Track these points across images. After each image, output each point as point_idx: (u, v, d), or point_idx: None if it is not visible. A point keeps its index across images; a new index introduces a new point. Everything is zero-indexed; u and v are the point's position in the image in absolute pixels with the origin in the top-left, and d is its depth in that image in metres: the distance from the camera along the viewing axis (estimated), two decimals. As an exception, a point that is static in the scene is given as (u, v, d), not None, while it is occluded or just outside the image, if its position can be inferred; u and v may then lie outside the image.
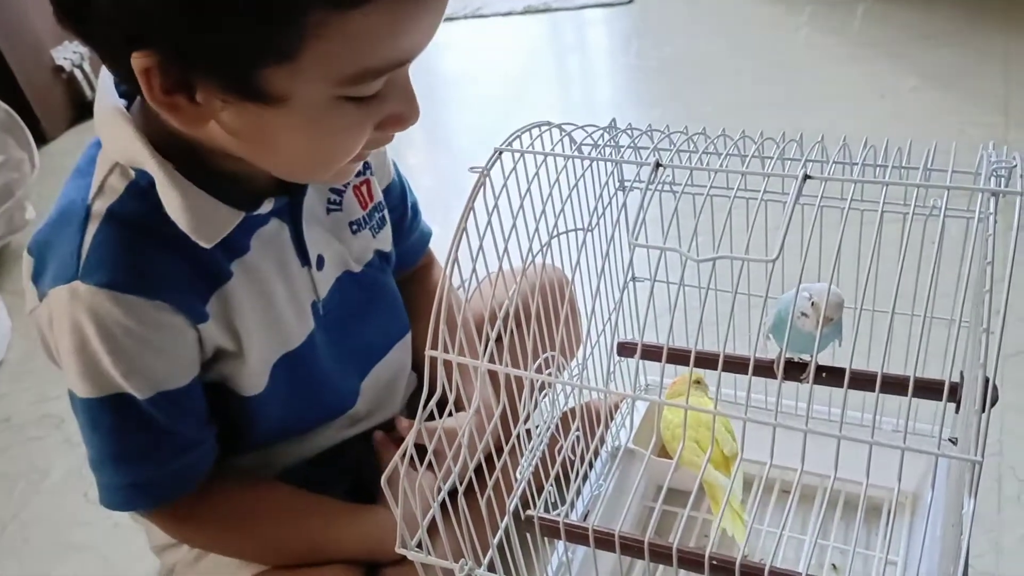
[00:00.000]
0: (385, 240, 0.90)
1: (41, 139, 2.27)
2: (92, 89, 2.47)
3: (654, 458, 0.91)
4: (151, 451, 0.76)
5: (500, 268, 0.64)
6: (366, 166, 0.87)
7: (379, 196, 0.89)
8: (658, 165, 0.59)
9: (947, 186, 0.54)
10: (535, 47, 2.58)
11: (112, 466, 0.76)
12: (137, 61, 0.58)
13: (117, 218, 0.69)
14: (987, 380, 0.48)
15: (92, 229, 0.69)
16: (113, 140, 0.70)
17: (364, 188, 0.86)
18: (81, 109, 2.46)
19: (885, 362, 0.63)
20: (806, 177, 0.54)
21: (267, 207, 0.75)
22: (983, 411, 0.48)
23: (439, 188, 1.90)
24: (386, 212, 0.90)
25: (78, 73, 2.42)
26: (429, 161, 2.03)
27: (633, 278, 0.93)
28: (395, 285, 0.94)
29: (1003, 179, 0.62)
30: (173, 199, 0.68)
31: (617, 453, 0.99)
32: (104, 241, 0.69)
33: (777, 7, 2.37)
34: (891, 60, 2.02)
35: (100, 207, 0.69)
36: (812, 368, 0.72)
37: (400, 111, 0.67)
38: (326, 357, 0.86)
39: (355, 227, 0.85)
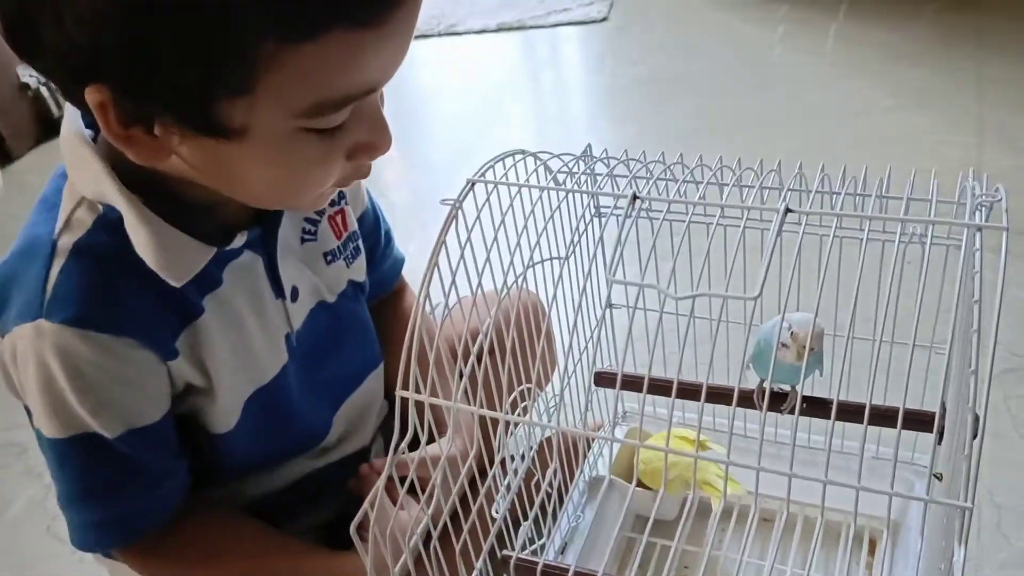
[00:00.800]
0: (359, 270, 0.88)
1: (6, 158, 2.23)
2: (59, 106, 2.42)
3: (636, 489, 0.90)
4: (121, 487, 0.74)
5: (475, 303, 0.62)
6: (341, 195, 0.85)
7: (354, 226, 0.87)
8: (635, 197, 0.57)
9: (931, 220, 0.53)
10: (509, 64, 2.57)
11: (81, 504, 0.74)
12: (91, 96, 0.56)
13: (84, 252, 0.67)
14: (976, 422, 0.47)
15: (58, 264, 0.67)
16: (80, 174, 0.68)
17: (339, 218, 0.84)
18: (47, 126, 2.41)
19: (860, 392, 0.62)
20: (787, 211, 0.52)
21: (240, 241, 0.73)
22: (971, 452, 0.47)
23: (414, 204, 1.89)
24: (360, 242, 0.88)
25: (44, 90, 2.38)
26: (404, 177, 2.01)
27: (611, 306, 0.91)
28: (368, 315, 0.92)
29: (986, 209, 0.61)
30: (142, 236, 0.66)
31: (595, 483, 0.98)
32: (70, 276, 0.66)
33: (750, 26, 2.38)
34: (865, 79, 2.03)
35: (67, 242, 0.67)
36: (797, 402, 0.71)
37: (369, 140, 0.65)
38: (298, 390, 0.83)
39: (329, 257, 0.83)
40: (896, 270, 0.60)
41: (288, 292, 0.79)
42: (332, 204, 0.84)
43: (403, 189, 1.96)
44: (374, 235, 0.93)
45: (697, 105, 2.06)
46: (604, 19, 2.60)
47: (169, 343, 0.71)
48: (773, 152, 1.82)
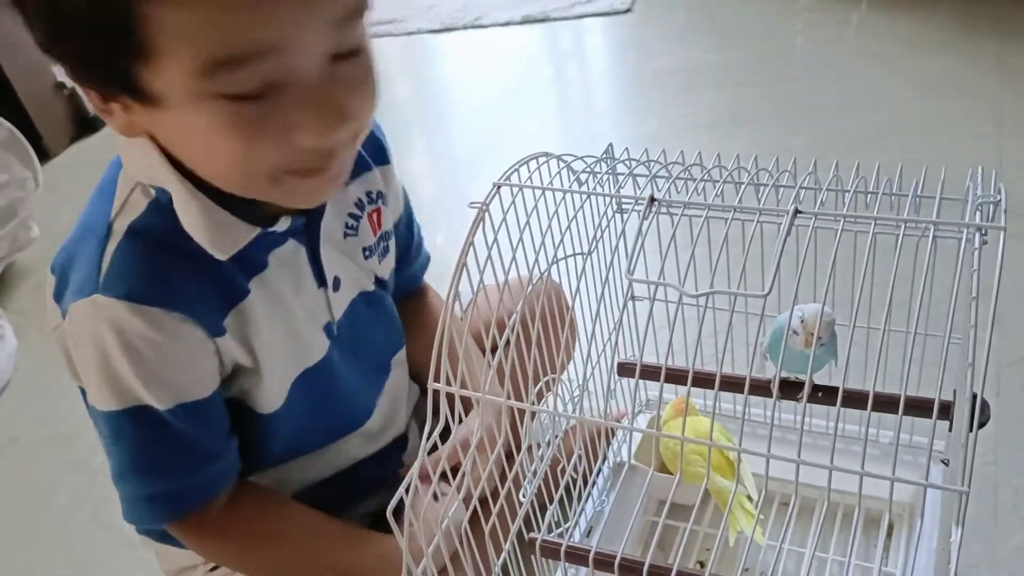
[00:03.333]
0: (387, 268, 0.92)
1: (44, 156, 2.28)
2: (94, 104, 2.48)
3: (656, 474, 0.92)
4: (173, 462, 0.77)
5: (501, 296, 0.66)
6: (379, 196, 0.88)
7: (388, 226, 0.90)
8: (652, 200, 0.60)
9: (934, 221, 0.56)
10: (533, 56, 2.59)
11: (135, 478, 0.77)
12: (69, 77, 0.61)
13: (138, 233, 0.71)
14: (973, 411, 0.50)
15: (113, 244, 0.70)
16: (135, 160, 0.72)
17: (375, 216, 0.88)
18: (83, 124, 2.47)
19: (878, 380, 0.65)
20: (797, 212, 0.55)
21: (283, 225, 0.76)
22: (967, 440, 0.50)
23: (439, 196, 1.93)
24: (391, 242, 0.92)
25: (79, 88, 2.43)
26: (430, 169, 2.05)
27: (632, 298, 0.94)
28: (393, 304, 0.96)
29: (990, 206, 0.63)
30: (190, 213, 0.70)
31: (619, 468, 1.01)
32: (125, 255, 0.70)
33: (772, 18, 2.39)
34: (886, 69, 2.04)
35: (121, 224, 0.71)
36: (807, 390, 0.73)
37: (299, 120, 0.61)
38: (345, 375, 0.87)
39: (367, 252, 0.87)
40: (907, 256, 0.62)
41: (330, 282, 0.82)
42: (371, 202, 0.87)
43: (428, 181, 2.00)
44: (407, 239, 0.97)
45: (719, 96, 2.08)
46: (628, 10, 2.61)
47: (217, 321, 0.74)
48: (795, 143, 1.85)
